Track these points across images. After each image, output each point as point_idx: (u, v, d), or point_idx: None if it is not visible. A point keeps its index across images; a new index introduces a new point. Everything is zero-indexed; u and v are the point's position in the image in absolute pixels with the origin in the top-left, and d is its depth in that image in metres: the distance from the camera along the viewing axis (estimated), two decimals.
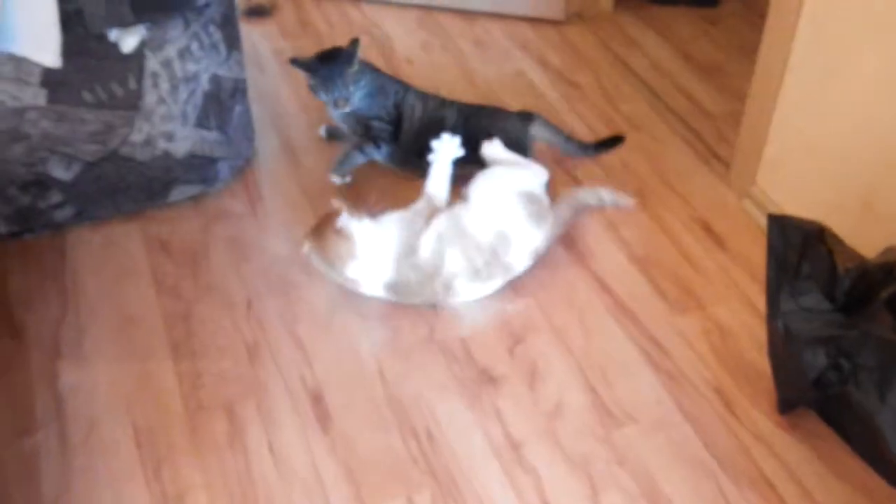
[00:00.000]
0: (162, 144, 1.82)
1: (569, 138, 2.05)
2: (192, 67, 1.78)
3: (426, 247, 1.69)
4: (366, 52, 2.42)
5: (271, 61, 2.43)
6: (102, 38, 1.65)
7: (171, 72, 1.75)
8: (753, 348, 1.66)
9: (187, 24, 1.74)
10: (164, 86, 1.76)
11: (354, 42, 1.94)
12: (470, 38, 2.56)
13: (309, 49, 2.05)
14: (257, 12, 2.63)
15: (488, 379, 1.62)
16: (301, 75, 1.97)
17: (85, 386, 1.58)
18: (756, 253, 1.82)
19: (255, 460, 1.48)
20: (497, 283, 1.75)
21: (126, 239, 1.88)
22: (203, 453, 1.49)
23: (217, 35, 1.82)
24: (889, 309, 1.38)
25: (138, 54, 1.69)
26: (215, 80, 1.85)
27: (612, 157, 2.09)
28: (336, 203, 1.66)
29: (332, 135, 2.15)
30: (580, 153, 2.06)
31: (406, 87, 2.03)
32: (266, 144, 2.15)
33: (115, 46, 1.67)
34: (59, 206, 1.82)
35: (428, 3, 2.66)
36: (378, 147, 1.99)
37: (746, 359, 1.65)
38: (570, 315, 1.75)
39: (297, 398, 1.58)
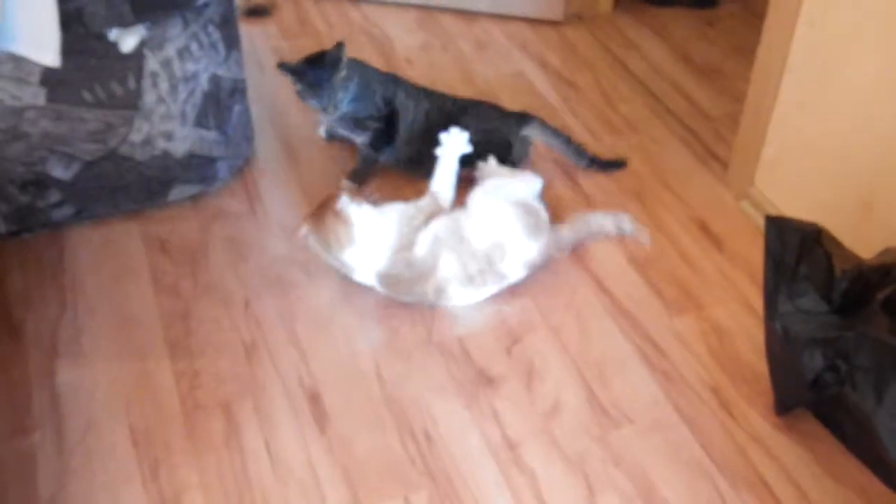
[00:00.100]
0: (161, 144, 1.82)
1: (569, 142, 2.04)
2: (191, 67, 1.78)
3: (422, 245, 1.69)
4: (365, 52, 2.43)
5: (271, 61, 2.43)
6: (102, 37, 1.65)
7: (170, 71, 1.75)
8: (750, 349, 1.66)
9: (186, 24, 1.74)
10: (164, 85, 1.76)
11: (340, 46, 1.89)
12: (469, 39, 2.56)
13: (308, 49, 2.04)
14: (257, 12, 2.63)
15: (486, 379, 1.62)
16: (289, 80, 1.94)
17: (83, 385, 1.59)
18: (754, 254, 1.82)
19: (251, 460, 1.48)
20: (490, 290, 1.75)
21: (125, 238, 1.88)
22: (200, 453, 1.49)
23: (216, 35, 1.82)
24: (885, 310, 1.38)
25: (138, 54, 1.70)
26: (214, 79, 1.85)
27: (611, 158, 2.09)
28: (344, 184, 1.68)
29: (332, 135, 2.15)
30: (576, 160, 2.05)
31: (396, 81, 2.01)
32: (265, 144, 2.15)
33: (114, 46, 1.67)
34: (58, 205, 1.82)
35: (427, 4, 2.67)
36: (377, 150, 1.99)
37: (743, 360, 1.66)
38: (567, 315, 1.75)
39: (295, 398, 1.58)
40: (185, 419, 1.54)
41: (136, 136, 1.78)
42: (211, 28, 1.80)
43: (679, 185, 2.05)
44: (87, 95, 1.69)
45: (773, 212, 1.85)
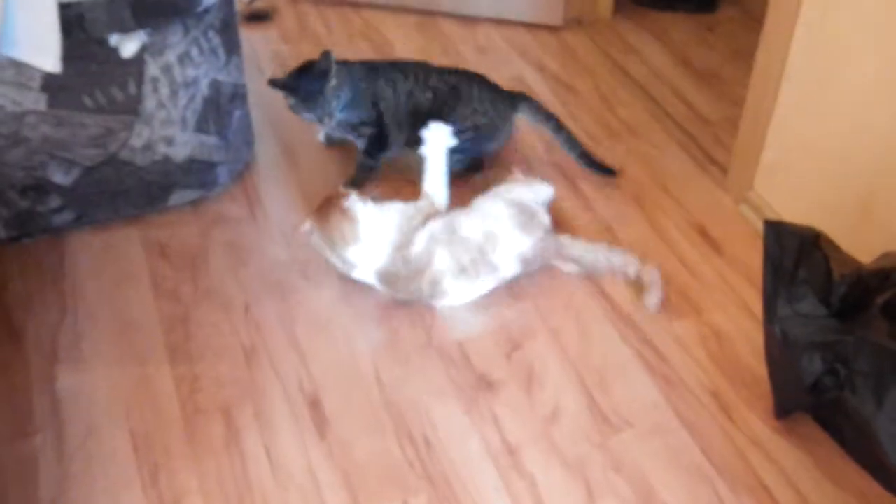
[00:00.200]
0: (161, 149, 1.83)
1: (560, 127, 2.02)
2: (191, 72, 1.79)
3: (419, 243, 1.71)
4: (365, 57, 2.42)
5: (271, 66, 2.43)
6: (103, 43, 1.65)
7: (170, 77, 1.75)
8: (750, 353, 1.66)
9: (187, 30, 1.74)
10: (164, 91, 1.76)
11: (327, 55, 1.86)
12: (469, 44, 2.56)
13: (309, 53, 2.05)
14: (257, 17, 2.64)
15: (486, 384, 1.62)
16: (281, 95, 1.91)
17: (83, 389, 1.59)
18: (753, 258, 1.82)
19: (251, 465, 1.48)
20: (484, 283, 1.75)
21: (125, 243, 1.88)
22: (200, 458, 1.49)
23: (216, 40, 1.83)
24: (885, 315, 1.38)
25: (138, 59, 1.70)
26: (215, 84, 1.85)
27: (610, 162, 2.10)
28: (343, 189, 1.69)
29: (332, 140, 2.15)
30: (568, 148, 2.04)
31: (375, 69, 1.96)
32: (265, 149, 2.15)
33: (115, 51, 1.67)
34: (58, 210, 1.82)
35: (427, 9, 2.67)
36: (372, 156, 2.00)
37: (743, 364, 1.66)
38: (567, 320, 1.75)
39: (295, 402, 1.58)
40: (185, 424, 1.54)
41: (136, 142, 1.79)
42: (211, 33, 1.80)
43: (678, 189, 2.06)
44: (87, 101, 1.70)
45: (773, 215, 1.85)
